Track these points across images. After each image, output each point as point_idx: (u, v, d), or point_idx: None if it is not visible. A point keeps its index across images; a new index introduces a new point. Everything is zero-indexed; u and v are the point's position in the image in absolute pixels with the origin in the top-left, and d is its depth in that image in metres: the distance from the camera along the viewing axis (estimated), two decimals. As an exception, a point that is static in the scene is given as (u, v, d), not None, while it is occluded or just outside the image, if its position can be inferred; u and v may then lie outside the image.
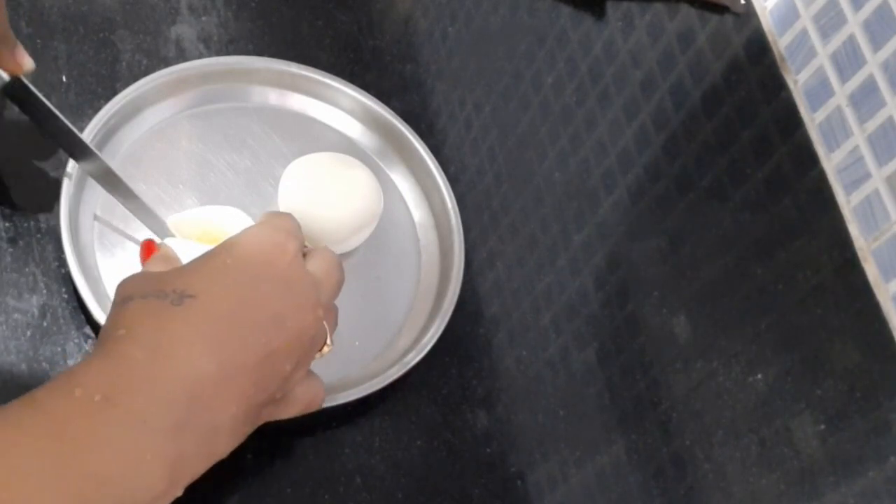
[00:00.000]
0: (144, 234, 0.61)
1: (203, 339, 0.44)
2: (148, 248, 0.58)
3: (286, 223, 0.51)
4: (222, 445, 0.45)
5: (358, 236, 0.64)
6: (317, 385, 0.52)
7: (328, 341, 0.51)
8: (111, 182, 0.58)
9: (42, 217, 0.60)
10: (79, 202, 0.60)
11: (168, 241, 0.57)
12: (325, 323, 0.50)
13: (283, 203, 0.62)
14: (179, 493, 0.43)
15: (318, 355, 0.51)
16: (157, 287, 0.46)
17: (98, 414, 0.41)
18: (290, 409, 0.50)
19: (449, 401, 0.62)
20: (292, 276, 0.48)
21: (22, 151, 0.62)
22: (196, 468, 0.44)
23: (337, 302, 0.60)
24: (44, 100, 0.56)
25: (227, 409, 0.44)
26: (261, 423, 0.48)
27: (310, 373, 0.51)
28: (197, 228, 0.60)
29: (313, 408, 0.52)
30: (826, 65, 0.73)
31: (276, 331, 0.46)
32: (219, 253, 0.48)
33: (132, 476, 0.41)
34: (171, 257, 0.53)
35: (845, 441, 0.63)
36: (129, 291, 0.47)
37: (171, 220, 0.60)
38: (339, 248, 0.63)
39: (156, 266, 0.51)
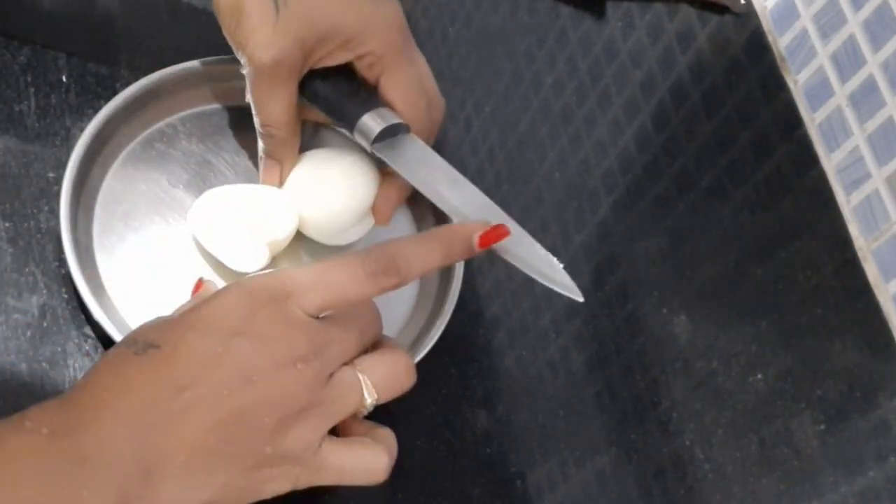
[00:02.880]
0: (144, 235, 0.61)
1: (155, 387, 0.44)
2: (196, 287, 0.56)
3: (275, 282, 0.49)
4: (174, 494, 0.44)
5: (357, 229, 0.63)
6: (366, 455, 0.50)
7: (365, 397, 0.49)
8: None
9: (42, 217, 0.60)
10: (79, 202, 0.60)
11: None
12: (340, 378, 0.48)
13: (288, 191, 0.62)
14: None
15: (359, 412, 0.50)
16: (133, 336, 0.47)
17: (42, 447, 0.42)
18: (323, 477, 0.49)
19: (449, 401, 0.62)
20: (271, 331, 0.47)
21: (22, 151, 0.62)
22: None
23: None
24: None
25: (176, 456, 0.44)
26: (269, 489, 0.47)
27: (362, 441, 0.50)
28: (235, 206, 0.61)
29: (369, 480, 0.50)
30: (826, 65, 0.73)
31: (242, 387, 0.45)
32: (199, 306, 0.48)
33: None
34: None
35: (845, 441, 0.63)
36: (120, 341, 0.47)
37: (206, 194, 0.61)
38: (337, 241, 0.63)
39: (185, 307, 0.51)
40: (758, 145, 0.74)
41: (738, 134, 0.75)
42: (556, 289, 0.55)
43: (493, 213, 0.57)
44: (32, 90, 0.64)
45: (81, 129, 0.62)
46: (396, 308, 0.64)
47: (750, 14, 0.80)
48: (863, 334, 0.66)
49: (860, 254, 0.68)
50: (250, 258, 0.60)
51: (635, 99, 0.77)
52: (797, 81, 0.75)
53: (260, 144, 0.61)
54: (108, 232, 0.61)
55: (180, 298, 0.55)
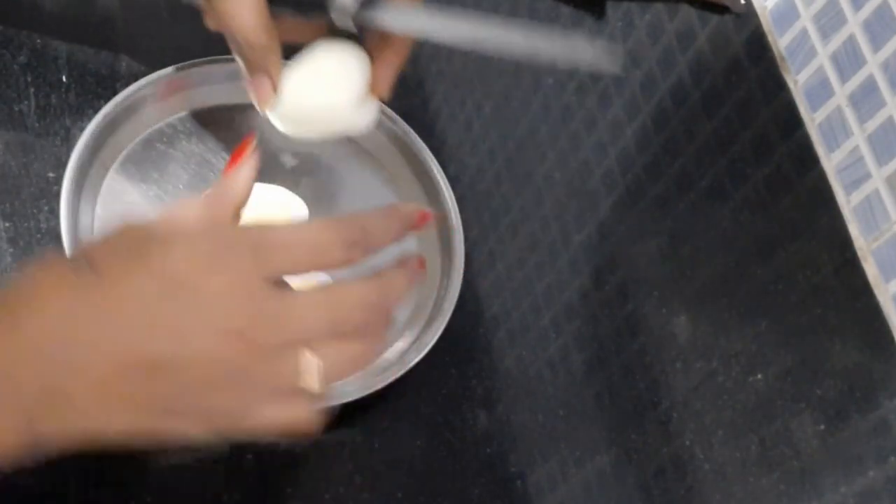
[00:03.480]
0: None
1: (76, 315, 0.43)
2: (239, 150, 0.52)
3: (248, 237, 0.46)
4: (82, 420, 0.43)
5: (364, 112, 0.61)
6: (295, 409, 0.47)
7: (312, 384, 0.46)
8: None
9: (42, 217, 0.60)
10: (79, 201, 0.60)
11: None
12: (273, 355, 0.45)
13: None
14: (39, 456, 0.42)
15: (300, 382, 0.47)
16: (86, 249, 0.45)
17: None
18: (246, 433, 0.47)
19: (449, 401, 0.62)
20: (217, 293, 0.44)
21: (22, 151, 0.62)
22: (53, 436, 0.43)
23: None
24: None
25: (83, 389, 0.42)
26: (184, 435, 0.45)
27: (301, 395, 0.47)
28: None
29: (294, 434, 0.47)
30: (826, 65, 0.73)
31: (167, 339, 0.44)
32: (164, 239, 0.45)
33: None
34: (234, 189, 0.50)
35: (845, 441, 0.63)
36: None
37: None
38: (352, 129, 0.61)
39: (195, 203, 0.48)
40: (758, 145, 0.74)
41: (738, 134, 0.75)
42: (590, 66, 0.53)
43: (511, 32, 0.55)
44: (32, 90, 0.64)
45: (81, 129, 0.62)
46: (396, 308, 0.64)
47: (750, 14, 0.80)
48: (863, 334, 0.66)
49: (860, 254, 0.68)
50: None
51: (635, 99, 0.77)
52: (797, 81, 0.75)
53: (242, 65, 0.58)
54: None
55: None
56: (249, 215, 0.60)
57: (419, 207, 0.53)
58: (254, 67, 0.58)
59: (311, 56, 0.60)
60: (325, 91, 0.59)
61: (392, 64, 0.59)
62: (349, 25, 0.57)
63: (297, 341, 0.46)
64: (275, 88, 0.58)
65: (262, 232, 0.46)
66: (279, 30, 0.57)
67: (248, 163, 0.51)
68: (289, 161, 0.67)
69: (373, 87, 0.59)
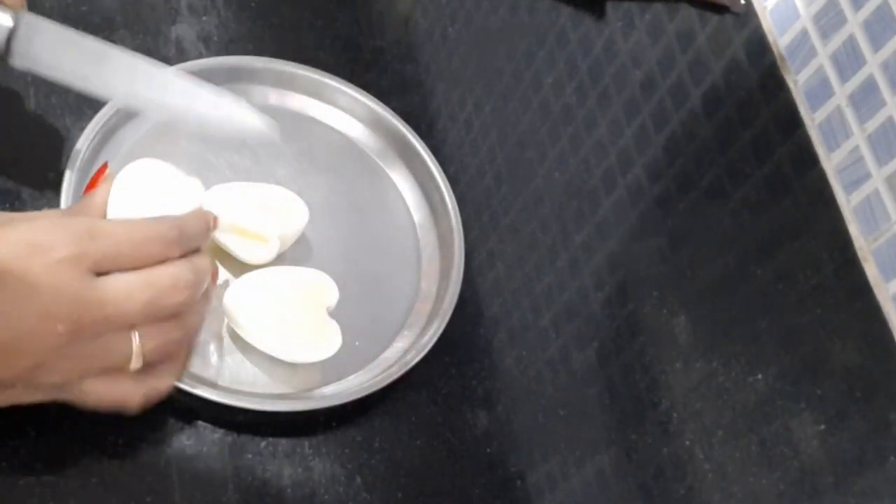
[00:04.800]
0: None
1: None
2: (95, 176, 0.56)
3: (74, 226, 0.49)
4: None
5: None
6: (121, 388, 0.51)
7: (133, 362, 0.50)
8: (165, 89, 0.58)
9: (42, 217, 0.60)
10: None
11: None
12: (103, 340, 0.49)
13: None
14: None
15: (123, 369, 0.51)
16: None
17: None
18: (78, 403, 0.50)
19: (449, 401, 0.62)
20: (40, 283, 0.47)
21: (22, 150, 0.62)
22: None
23: (337, 302, 0.60)
24: (64, 28, 0.55)
25: None
26: (24, 401, 0.49)
27: (120, 378, 0.51)
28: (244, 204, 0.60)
29: (122, 411, 0.52)
30: (826, 65, 0.73)
31: None
32: (9, 225, 0.48)
33: None
34: (91, 204, 0.54)
35: (845, 441, 0.63)
36: None
37: (215, 189, 0.60)
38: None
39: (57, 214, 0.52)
40: (758, 145, 0.74)
41: (738, 134, 0.75)
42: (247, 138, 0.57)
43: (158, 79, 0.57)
44: (32, 90, 0.64)
45: (81, 129, 0.62)
46: (396, 308, 0.64)
47: (750, 14, 0.80)
48: (863, 334, 0.66)
49: (860, 254, 0.68)
50: (262, 250, 0.60)
51: (635, 99, 0.77)
52: (797, 81, 0.75)
53: None
54: (108, 232, 0.61)
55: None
56: (254, 214, 0.60)
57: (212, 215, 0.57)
58: None
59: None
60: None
61: None
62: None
63: (120, 324, 0.49)
64: None
65: (90, 224, 0.49)
66: None
67: (105, 184, 0.55)
68: (289, 162, 0.67)
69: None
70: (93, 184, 0.56)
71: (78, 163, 0.60)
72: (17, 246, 0.47)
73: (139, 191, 0.56)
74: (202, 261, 0.53)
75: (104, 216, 0.54)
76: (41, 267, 0.47)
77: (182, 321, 0.52)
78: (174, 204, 0.56)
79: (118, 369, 0.51)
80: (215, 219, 0.57)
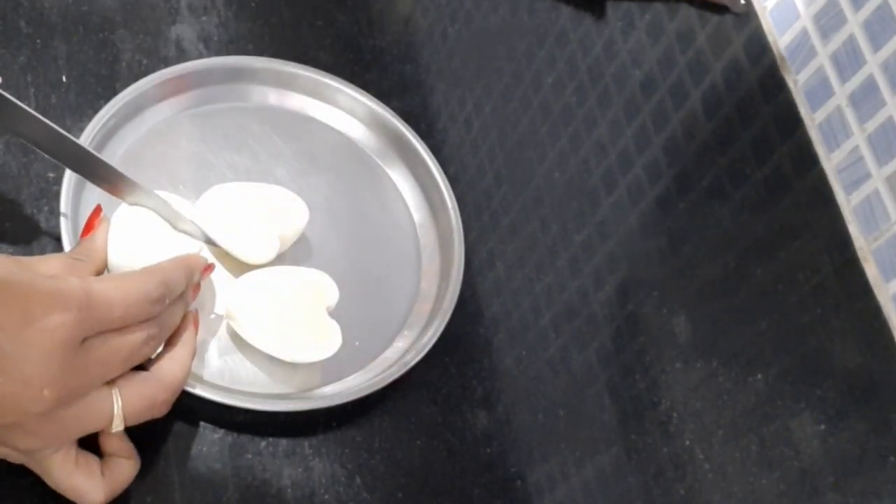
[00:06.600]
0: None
1: None
2: (91, 219, 0.56)
3: (72, 292, 0.48)
4: None
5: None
6: (82, 487, 0.51)
7: (114, 422, 0.50)
8: (114, 181, 0.58)
9: (42, 217, 0.60)
10: (79, 202, 0.60)
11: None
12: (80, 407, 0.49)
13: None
14: None
15: (105, 431, 0.51)
16: None
17: None
18: (44, 478, 0.50)
19: (449, 401, 0.62)
20: (33, 348, 0.46)
21: (22, 151, 0.62)
22: None
23: (337, 302, 0.60)
24: (25, 107, 0.55)
25: None
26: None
27: (89, 470, 0.51)
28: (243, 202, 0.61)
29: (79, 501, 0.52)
30: (826, 65, 0.73)
31: None
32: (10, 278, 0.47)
33: None
34: (92, 248, 0.55)
35: (845, 441, 0.63)
36: None
37: (215, 188, 0.61)
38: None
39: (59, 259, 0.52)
40: (758, 145, 0.74)
41: (738, 134, 0.75)
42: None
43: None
44: (32, 90, 0.64)
45: (81, 129, 0.62)
46: (396, 308, 0.64)
47: (750, 14, 0.80)
48: (863, 334, 0.66)
49: (860, 254, 0.68)
50: (262, 250, 0.60)
51: (635, 99, 0.77)
52: (797, 81, 0.75)
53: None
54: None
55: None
56: (254, 214, 0.60)
57: (205, 260, 0.57)
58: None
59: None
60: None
61: None
62: None
63: (100, 385, 0.50)
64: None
65: (88, 291, 0.48)
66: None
67: (102, 227, 0.56)
68: (289, 162, 0.67)
69: None
70: (89, 226, 0.56)
71: (78, 163, 0.60)
72: (13, 310, 0.46)
73: (136, 229, 0.57)
74: (170, 316, 0.54)
75: (105, 260, 0.55)
76: (36, 332, 0.46)
77: (154, 378, 0.53)
78: (171, 242, 0.58)
79: (96, 430, 0.51)
80: (210, 265, 0.57)
